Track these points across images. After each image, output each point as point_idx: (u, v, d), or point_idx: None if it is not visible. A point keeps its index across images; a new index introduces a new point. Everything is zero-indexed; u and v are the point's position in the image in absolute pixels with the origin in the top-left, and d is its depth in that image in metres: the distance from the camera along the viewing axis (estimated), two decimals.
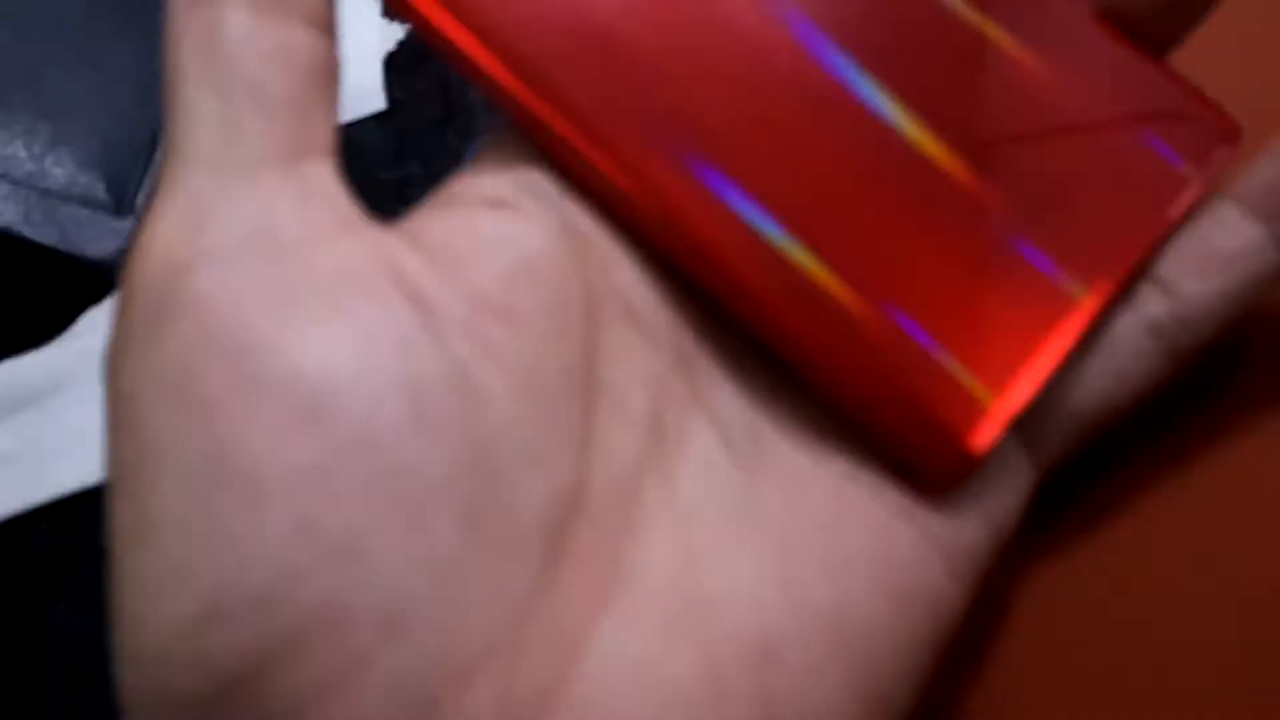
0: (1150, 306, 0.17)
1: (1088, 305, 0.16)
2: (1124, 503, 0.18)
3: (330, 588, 0.13)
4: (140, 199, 0.36)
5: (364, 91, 0.35)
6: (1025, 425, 0.17)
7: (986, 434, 0.15)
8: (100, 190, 0.36)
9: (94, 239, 0.35)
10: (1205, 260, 0.17)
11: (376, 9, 0.35)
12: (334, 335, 0.14)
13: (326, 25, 0.16)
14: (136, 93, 0.38)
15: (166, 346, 0.14)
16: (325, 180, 0.15)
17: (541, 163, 0.17)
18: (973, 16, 0.18)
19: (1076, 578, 0.18)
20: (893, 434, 0.16)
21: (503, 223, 0.16)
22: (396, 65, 0.34)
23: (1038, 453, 0.17)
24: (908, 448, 0.15)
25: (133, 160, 0.38)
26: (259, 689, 0.13)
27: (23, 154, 0.35)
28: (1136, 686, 0.18)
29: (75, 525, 0.19)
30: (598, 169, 0.16)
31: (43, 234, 0.34)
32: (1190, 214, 0.17)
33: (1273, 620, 0.18)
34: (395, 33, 0.35)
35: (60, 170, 0.35)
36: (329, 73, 0.16)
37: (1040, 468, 0.17)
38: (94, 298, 0.37)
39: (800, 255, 0.16)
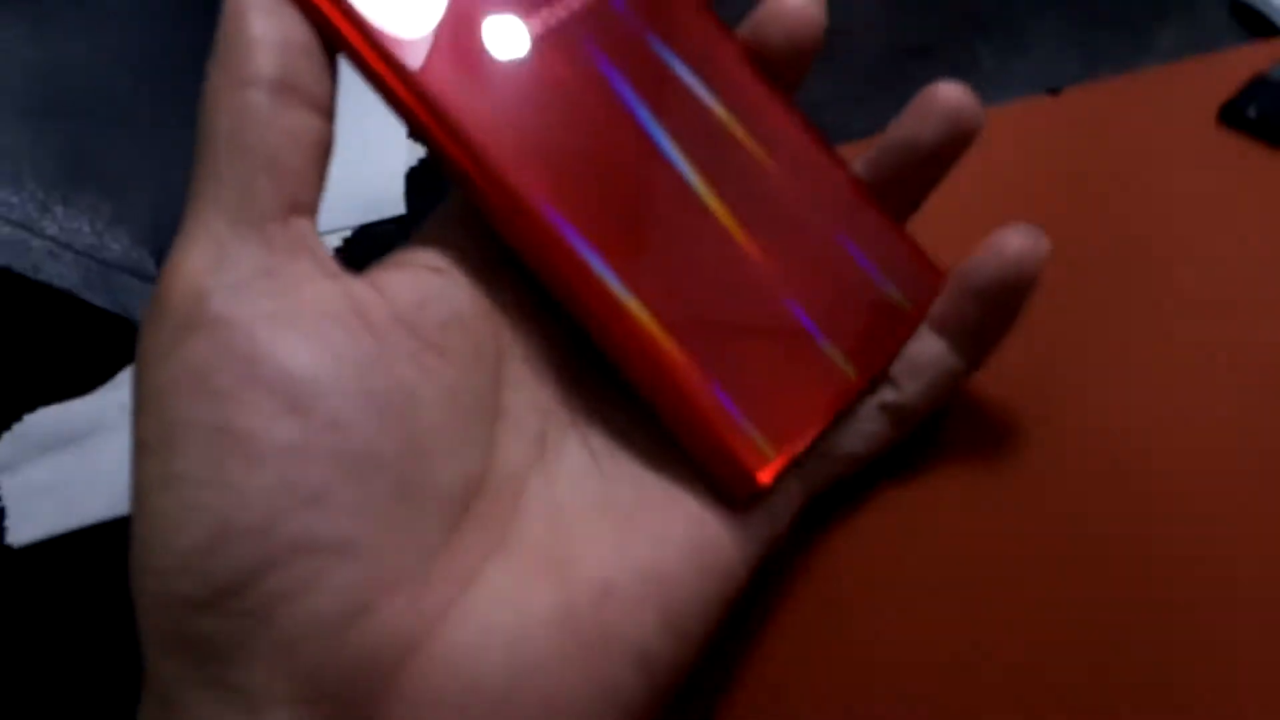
0: (884, 393, 0.25)
1: (855, 385, 0.23)
2: (856, 522, 0.26)
3: (301, 526, 0.18)
4: None
5: (388, 199, 0.41)
6: (800, 465, 0.24)
7: (767, 474, 0.22)
8: (150, 264, 0.41)
9: (140, 305, 0.40)
10: (912, 365, 0.25)
11: (403, 131, 0.41)
12: (314, 351, 0.19)
13: (329, 113, 0.21)
14: (182, 171, 0.44)
15: (190, 352, 0.19)
16: (311, 234, 0.21)
17: (470, 239, 0.22)
18: (759, 152, 0.24)
19: (819, 569, 0.26)
20: (706, 466, 0.22)
21: (439, 283, 0.21)
22: (415, 179, 0.40)
23: (806, 483, 0.24)
24: (715, 476, 0.22)
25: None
26: (243, 594, 0.18)
27: (86, 229, 0.40)
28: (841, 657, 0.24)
29: (102, 548, 0.23)
30: (495, 212, 0.22)
31: (97, 298, 0.39)
32: (911, 334, 0.24)
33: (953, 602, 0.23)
34: (418, 152, 0.40)
35: (117, 245, 0.40)
36: (325, 150, 0.21)
37: (807, 493, 0.24)
38: (133, 356, 0.41)
39: (637, 310, 0.22)
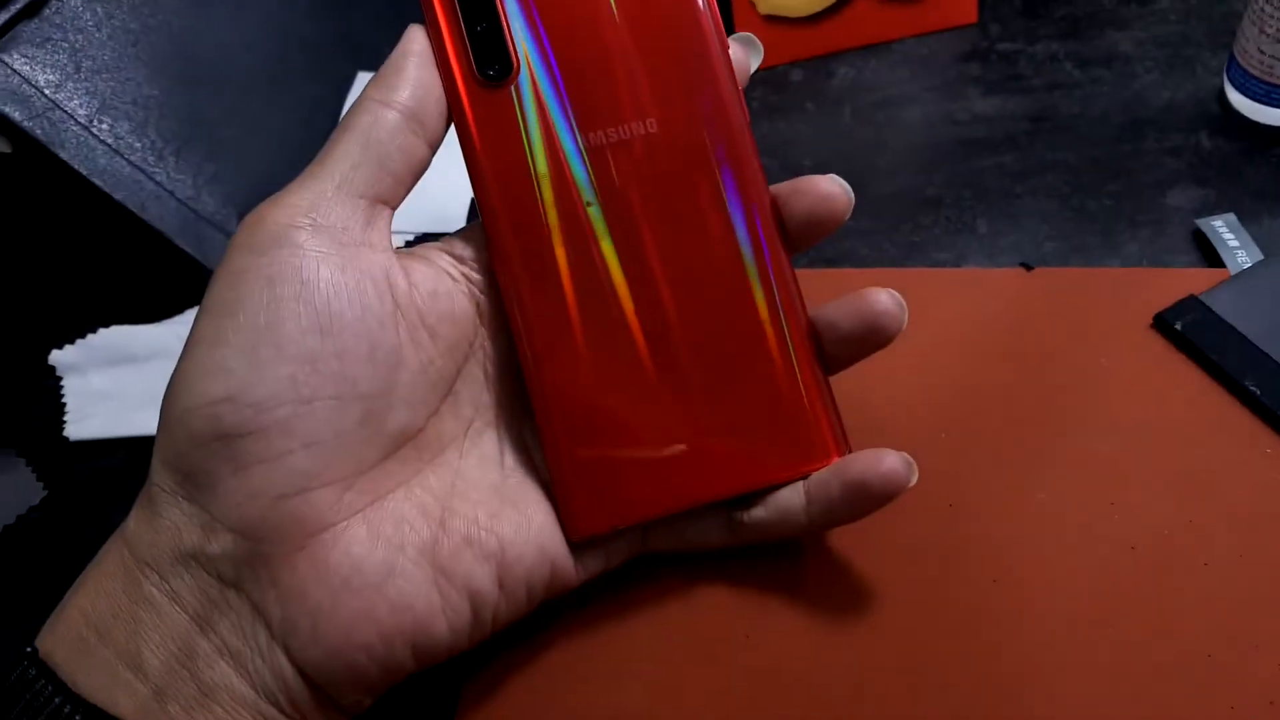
0: (737, 510, 0.30)
1: (700, 498, 0.29)
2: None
3: (290, 414, 0.25)
4: None
5: (452, 217, 0.47)
6: (646, 531, 0.31)
7: (584, 533, 0.29)
8: (234, 223, 0.47)
9: (218, 256, 0.46)
10: (772, 501, 0.30)
11: None
12: (350, 297, 0.26)
13: (434, 145, 0.29)
14: (277, 150, 0.49)
15: (271, 259, 0.26)
16: (385, 221, 0.28)
17: (482, 260, 0.29)
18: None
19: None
20: (558, 510, 0.29)
21: (450, 285, 0.28)
22: (475, 207, 0.46)
23: (651, 543, 0.31)
24: (562, 520, 0.29)
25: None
26: (231, 445, 0.25)
27: (189, 183, 0.46)
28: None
29: (143, 459, 0.28)
30: (492, 259, 0.29)
31: (185, 244, 0.44)
32: (783, 477, 0.30)
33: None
34: None
35: (211, 200, 0.46)
36: (421, 169, 0.29)
37: (650, 549, 0.31)
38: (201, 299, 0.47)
39: (546, 381, 0.29)
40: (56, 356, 0.44)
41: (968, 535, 0.32)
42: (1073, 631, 0.30)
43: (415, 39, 0.29)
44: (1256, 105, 0.45)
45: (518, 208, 0.29)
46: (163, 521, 0.25)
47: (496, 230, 0.29)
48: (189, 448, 0.25)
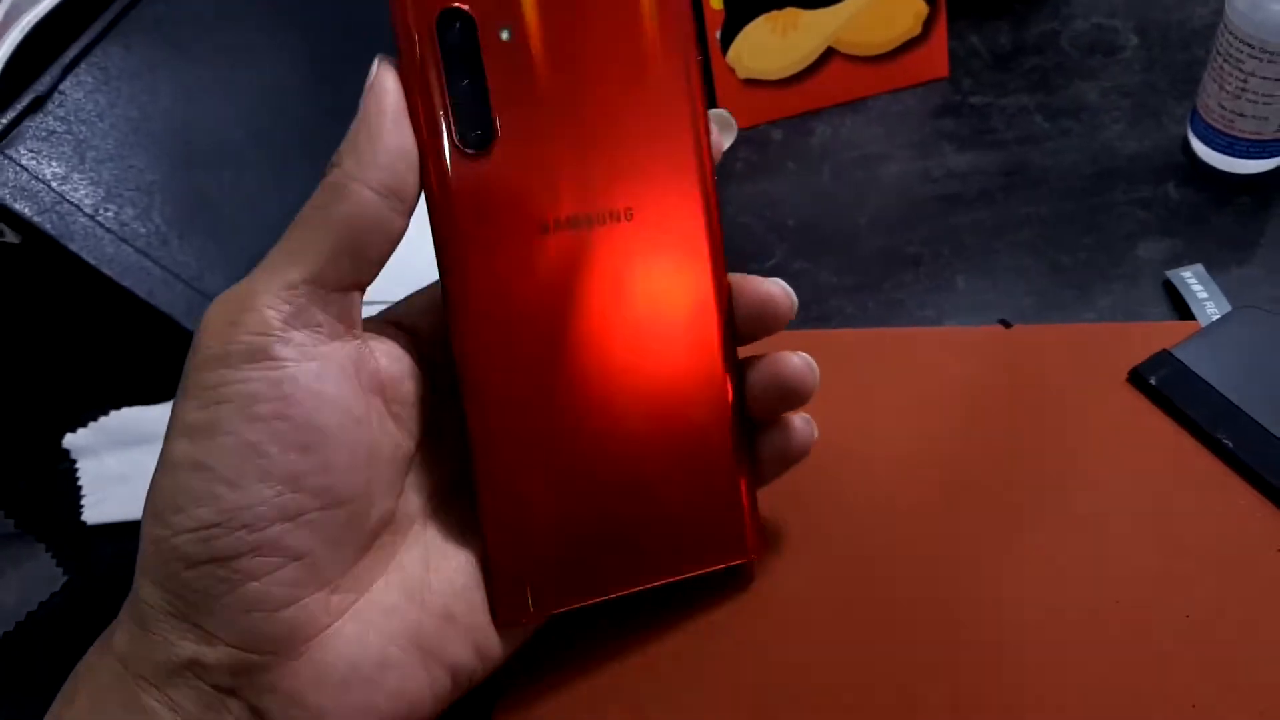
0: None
1: (622, 590, 0.30)
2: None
3: (280, 533, 0.26)
4: None
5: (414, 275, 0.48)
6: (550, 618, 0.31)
7: (510, 620, 0.29)
8: None
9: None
10: None
11: None
12: (332, 405, 0.26)
13: (410, 214, 0.28)
14: (276, 226, 0.50)
15: (247, 377, 0.25)
16: (356, 304, 0.28)
17: (433, 326, 0.30)
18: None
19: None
20: (488, 593, 0.30)
21: (408, 362, 0.29)
22: None
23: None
24: (490, 604, 0.30)
25: None
26: (225, 565, 0.25)
27: (193, 264, 0.47)
28: None
29: None
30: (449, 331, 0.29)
31: (192, 324, 0.45)
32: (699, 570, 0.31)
33: None
34: None
35: (214, 280, 0.47)
36: (396, 242, 0.28)
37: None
38: None
39: (487, 469, 0.29)
40: (70, 440, 0.45)
41: (956, 591, 0.34)
42: (1060, 683, 0.32)
43: (388, 88, 0.26)
44: (1220, 155, 0.47)
45: (478, 282, 0.28)
46: (154, 637, 0.26)
47: (456, 309, 0.28)
48: (180, 570, 0.25)
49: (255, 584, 0.25)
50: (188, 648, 0.26)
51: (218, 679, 0.26)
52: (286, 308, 0.26)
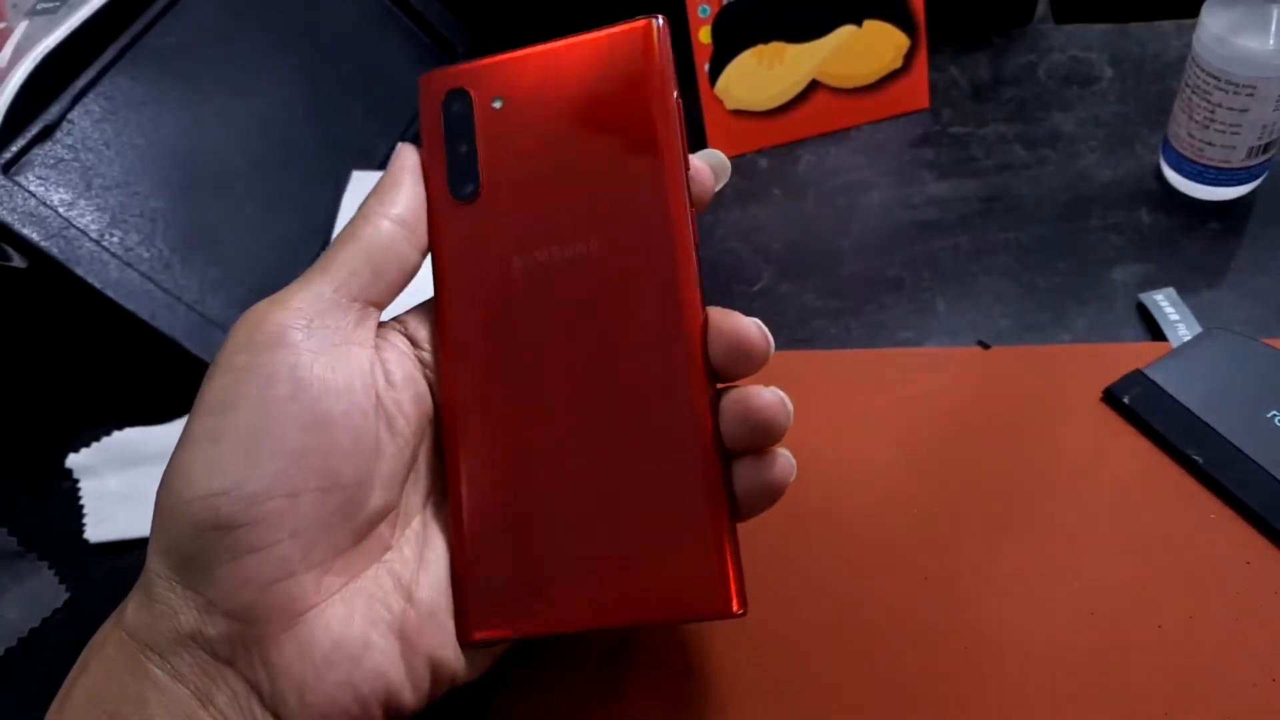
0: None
1: (585, 627, 0.30)
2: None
3: (281, 508, 0.28)
4: None
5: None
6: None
7: (473, 639, 0.30)
8: None
9: None
10: None
11: None
12: (339, 398, 0.29)
13: (424, 252, 0.32)
14: (277, 251, 0.52)
15: (268, 360, 0.28)
16: (374, 320, 0.31)
17: (432, 338, 0.32)
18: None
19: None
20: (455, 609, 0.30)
21: (411, 368, 0.31)
22: None
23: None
24: (456, 620, 0.30)
25: None
26: (227, 533, 0.27)
27: (195, 287, 0.48)
28: None
29: None
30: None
31: (195, 347, 0.47)
32: (669, 618, 0.30)
33: None
34: None
35: (216, 303, 0.48)
36: (412, 274, 0.32)
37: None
38: None
39: (466, 493, 0.31)
40: (73, 460, 0.46)
41: (941, 605, 0.35)
42: (1039, 694, 0.33)
43: (408, 156, 0.33)
44: (1190, 183, 0.49)
45: (466, 316, 0.31)
46: (161, 607, 0.28)
47: (442, 338, 0.32)
48: (188, 536, 0.27)
49: (253, 555, 0.27)
50: (190, 617, 0.27)
51: (217, 648, 0.28)
52: (312, 309, 0.29)
